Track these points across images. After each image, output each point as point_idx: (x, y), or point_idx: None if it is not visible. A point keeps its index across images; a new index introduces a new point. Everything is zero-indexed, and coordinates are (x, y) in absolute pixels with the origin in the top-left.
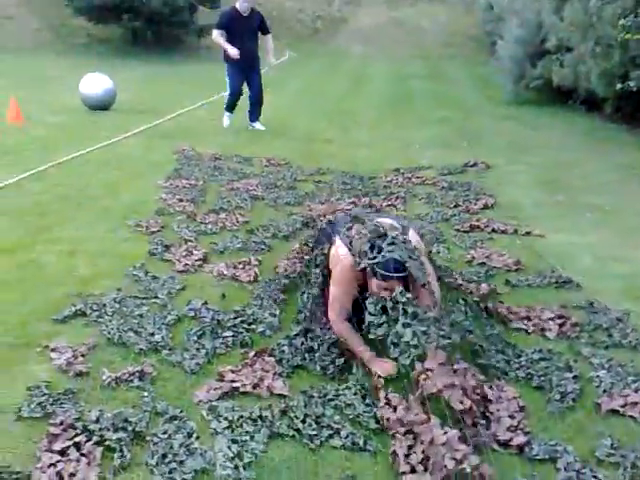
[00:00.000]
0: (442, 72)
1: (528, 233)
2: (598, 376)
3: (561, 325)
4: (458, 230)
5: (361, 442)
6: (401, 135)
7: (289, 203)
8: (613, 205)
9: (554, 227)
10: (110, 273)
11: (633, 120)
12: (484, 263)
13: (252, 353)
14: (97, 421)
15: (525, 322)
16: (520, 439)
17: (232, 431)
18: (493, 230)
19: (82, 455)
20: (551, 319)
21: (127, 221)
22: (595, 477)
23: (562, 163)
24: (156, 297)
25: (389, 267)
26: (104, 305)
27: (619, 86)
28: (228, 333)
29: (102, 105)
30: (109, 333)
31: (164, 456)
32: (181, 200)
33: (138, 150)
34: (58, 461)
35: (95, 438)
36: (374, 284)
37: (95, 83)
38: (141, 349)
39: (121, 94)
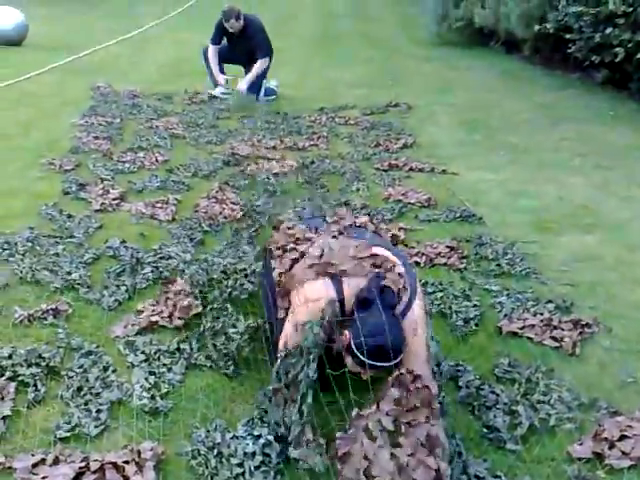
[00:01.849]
0: (368, 11)
1: (444, 171)
2: (500, 302)
3: (449, 257)
4: (378, 169)
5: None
6: (327, 74)
7: (211, 142)
8: (527, 143)
9: (469, 165)
10: (22, 212)
11: (550, 62)
12: (400, 200)
13: (164, 282)
14: (10, 357)
15: (419, 257)
16: None
17: (149, 364)
18: (411, 169)
19: None
20: (441, 253)
21: (40, 160)
22: (493, 392)
23: (482, 103)
24: (72, 236)
25: (373, 352)
26: (15, 244)
27: (537, 27)
28: (147, 269)
29: (13, 40)
30: (21, 272)
31: (79, 389)
32: (97, 138)
33: (52, 87)
34: None
35: (8, 374)
36: (349, 362)
37: (5, 17)
38: (57, 287)
39: (33, 29)
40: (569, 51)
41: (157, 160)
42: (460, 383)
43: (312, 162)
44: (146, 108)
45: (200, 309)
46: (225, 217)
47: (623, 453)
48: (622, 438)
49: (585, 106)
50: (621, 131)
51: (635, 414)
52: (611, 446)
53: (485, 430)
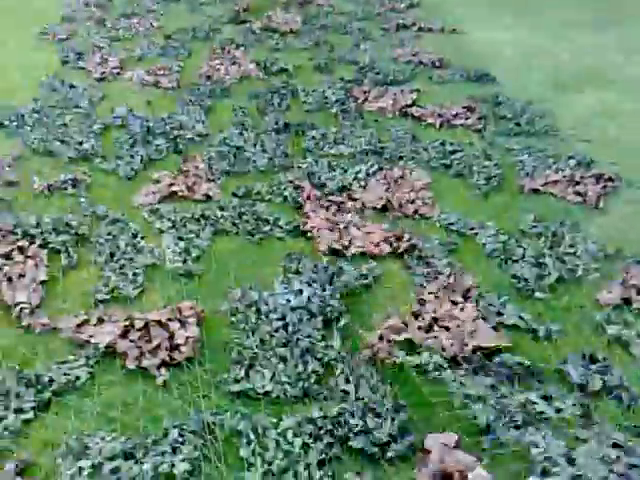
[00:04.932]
0: None
1: (454, 30)
2: (521, 160)
3: (467, 118)
4: (384, 29)
5: (301, 226)
6: None
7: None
8: (536, 1)
9: (479, 25)
10: (23, 85)
11: None
12: (410, 61)
13: (184, 158)
14: (37, 226)
15: (435, 118)
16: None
17: (177, 230)
18: (420, 28)
19: (28, 257)
20: (458, 114)
21: (32, 30)
22: (520, 246)
23: None
24: (77, 106)
25: None
26: (22, 116)
27: None
28: (160, 140)
29: None
30: (32, 143)
31: (112, 255)
32: (87, 5)
33: None
34: (4, 265)
35: (38, 242)
36: None
37: None
38: (71, 158)
39: None
40: None
41: (152, 25)
42: (482, 239)
43: (315, 16)
44: None
45: (219, 194)
46: (237, 78)
47: None
48: None
49: None
50: None
51: None
52: (639, 292)
53: (513, 280)
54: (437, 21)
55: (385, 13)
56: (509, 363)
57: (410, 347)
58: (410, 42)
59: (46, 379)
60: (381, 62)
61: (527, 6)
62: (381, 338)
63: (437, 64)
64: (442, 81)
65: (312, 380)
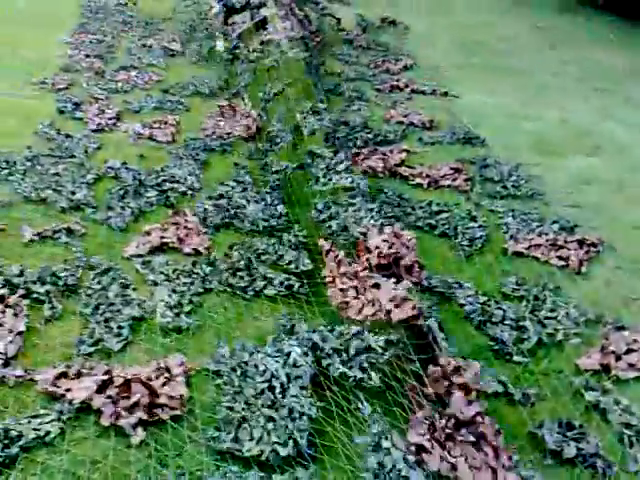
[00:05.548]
0: None
1: (445, 94)
2: (506, 223)
3: (454, 179)
4: (378, 90)
5: (296, 286)
6: None
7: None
8: (526, 66)
9: (470, 88)
10: (17, 131)
11: None
12: (401, 122)
13: (173, 212)
14: (20, 275)
15: (424, 178)
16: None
17: (169, 282)
18: (413, 90)
19: (7, 307)
20: (446, 175)
21: (31, 78)
22: (499, 308)
23: (480, 25)
24: (72, 156)
25: None
26: (14, 162)
27: None
28: (151, 193)
29: None
30: (24, 191)
31: (98, 306)
32: (88, 56)
33: (38, 4)
34: None
35: (20, 291)
36: None
37: None
38: (63, 207)
39: None
40: None
41: (152, 79)
42: (462, 300)
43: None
44: (137, 24)
45: (210, 245)
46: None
47: (629, 365)
48: (628, 351)
49: (585, 29)
50: (621, 54)
51: None
52: (617, 358)
53: (491, 343)
54: (430, 84)
55: (379, 75)
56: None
57: None
58: (402, 104)
59: (15, 433)
60: (372, 122)
61: (518, 71)
62: None
63: (427, 125)
64: (432, 142)
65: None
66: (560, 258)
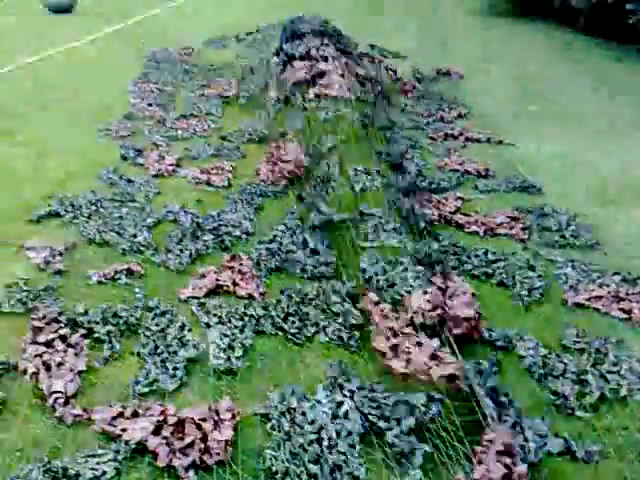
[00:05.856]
0: None
1: (500, 142)
2: (565, 273)
3: (511, 227)
4: (432, 138)
5: (345, 337)
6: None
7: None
8: (584, 114)
9: (526, 136)
10: (82, 176)
11: (606, 33)
12: (457, 170)
13: (230, 256)
14: (85, 314)
15: (479, 226)
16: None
17: (222, 325)
18: (467, 139)
19: (69, 346)
20: (502, 223)
21: (96, 125)
22: (561, 361)
23: (535, 73)
24: (133, 200)
25: None
26: (80, 206)
27: None
28: (208, 236)
29: (63, 6)
30: (89, 233)
31: (156, 347)
32: (150, 105)
33: (103, 53)
34: (44, 352)
35: (82, 331)
36: None
37: None
38: (124, 249)
39: None
40: (629, 21)
41: (209, 126)
42: (522, 352)
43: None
44: (197, 74)
45: (266, 292)
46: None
47: None
48: None
49: None
50: None
51: None
52: None
53: (552, 397)
54: (484, 132)
55: (434, 123)
56: None
57: None
58: (456, 152)
59: (72, 472)
60: (427, 170)
61: (574, 118)
62: None
63: (483, 173)
64: (488, 190)
65: None
66: (622, 310)
